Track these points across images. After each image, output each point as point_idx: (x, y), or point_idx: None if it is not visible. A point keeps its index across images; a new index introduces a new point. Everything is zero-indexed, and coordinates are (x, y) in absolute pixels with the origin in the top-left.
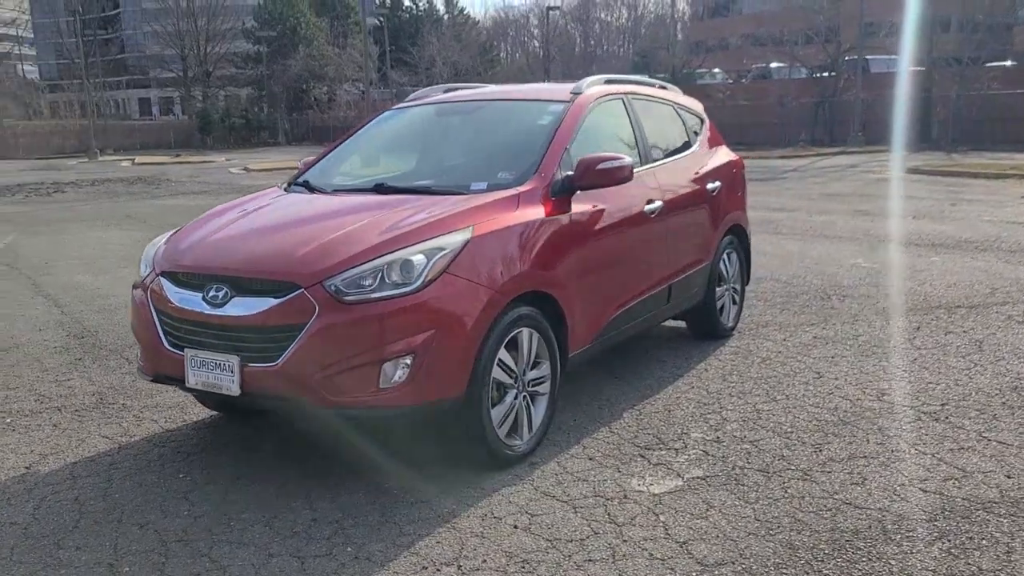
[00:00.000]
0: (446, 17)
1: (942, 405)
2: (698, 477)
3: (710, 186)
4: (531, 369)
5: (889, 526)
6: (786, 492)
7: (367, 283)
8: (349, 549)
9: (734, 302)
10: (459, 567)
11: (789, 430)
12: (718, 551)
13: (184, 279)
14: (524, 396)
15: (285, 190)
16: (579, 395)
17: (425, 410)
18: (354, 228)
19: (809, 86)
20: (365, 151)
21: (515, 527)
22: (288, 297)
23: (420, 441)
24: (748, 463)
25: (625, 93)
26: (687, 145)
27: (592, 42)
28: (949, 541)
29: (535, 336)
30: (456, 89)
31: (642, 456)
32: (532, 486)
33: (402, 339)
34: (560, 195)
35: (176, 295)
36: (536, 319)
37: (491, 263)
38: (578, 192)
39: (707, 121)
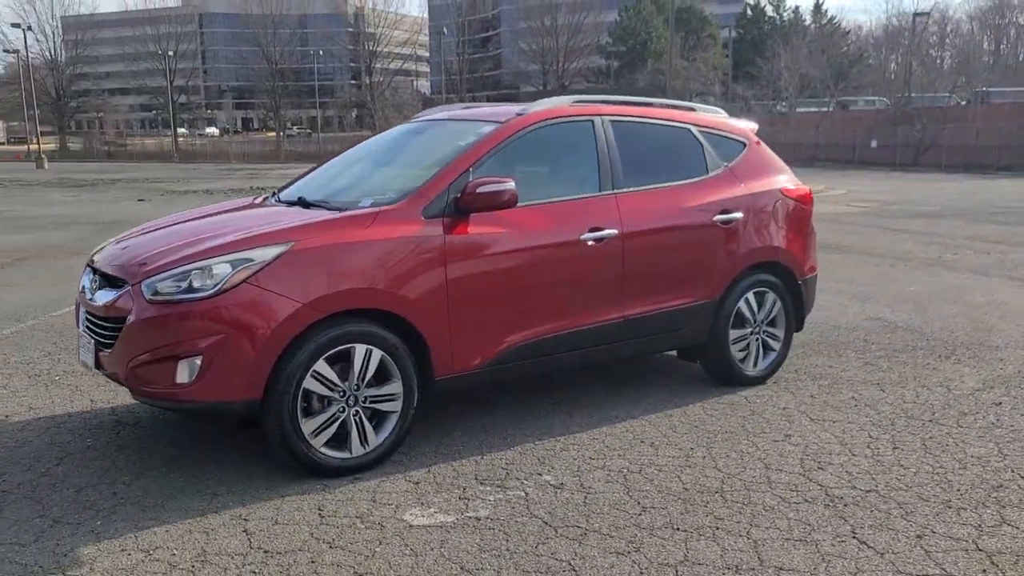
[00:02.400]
0: (812, 27)
1: (866, 492)
2: (476, 517)
3: (720, 217)
4: (371, 386)
5: None
6: (534, 548)
7: (177, 286)
8: (99, 523)
9: (768, 348)
10: (149, 554)
11: (648, 488)
12: None
13: (93, 270)
14: (357, 411)
15: (264, 199)
16: (498, 423)
17: (216, 409)
18: (205, 235)
19: None
20: (350, 163)
21: (244, 531)
22: (120, 293)
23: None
24: (548, 513)
25: (598, 114)
26: (699, 172)
27: (1004, 49)
28: None
29: (375, 353)
30: (472, 107)
31: (463, 487)
32: (318, 498)
33: (193, 340)
34: (441, 216)
35: (85, 283)
36: (378, 337)
37: (307, 277)
38: (473, 214)
39: (752, 147)
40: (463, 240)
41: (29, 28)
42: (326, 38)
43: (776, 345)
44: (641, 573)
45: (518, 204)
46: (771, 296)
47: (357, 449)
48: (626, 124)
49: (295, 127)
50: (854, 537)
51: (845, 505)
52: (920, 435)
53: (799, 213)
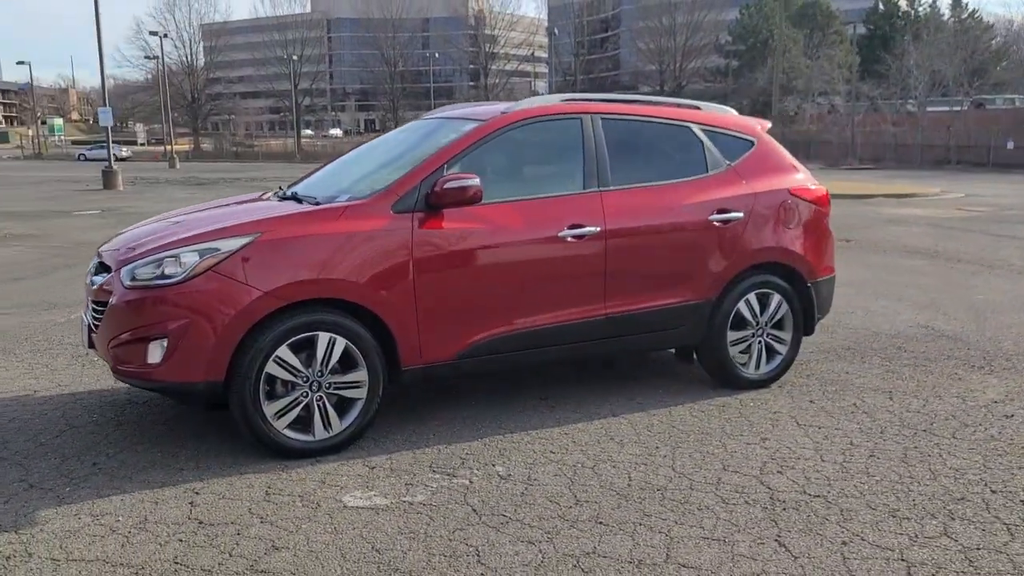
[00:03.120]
0: (951, 22)
1: (813, 497)
2: (411, 501)
3: (718, 216)
4: (336, 373)
5: None
6: (450, 533)
7: (152, 272)
8: (68, 490)
9: (773, 351)
10: (97, 519)
11: (592, 484)
12: (278, 562)
13: (97, 256)
14: (321, 397)
15: (270, 195)
16: (477, 415)
17: (181, 389)
18: (191, 227)
19: None
20: (354, 160)
21: (190, 503)
22: (107, 277)
23: None
24: (480, 501)
25: (588, 112)
26: (698, 170)
27: None
28: None
29: (339, 342)
30: (472, 106)
31: (413, 474)
32: (272, 477)
33: (162, 323)
34: (411, 211)
35: (90, 269)
36: (342, 326)
37: (269, 267)
38: (447, 211)
39: (761, 145)
40: (432, 234)
41: (166, 35)
42: (444, 40)
43: (782, 348)
44: (542, 562)
45: (497, 201)
46: (776, 298)
47: (320, 433)
48: (619, 122)
49: None
50: (776, 540)
51: (784, 509)
52: (905, 444)
53: (811, 214)
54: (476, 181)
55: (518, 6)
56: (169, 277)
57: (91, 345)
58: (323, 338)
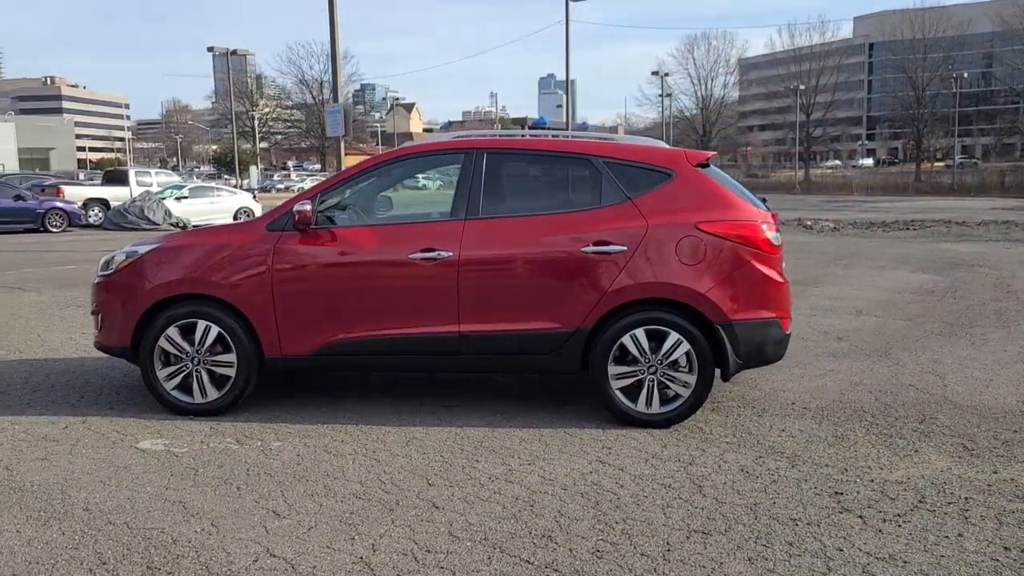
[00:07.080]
0: None
1: (464, 503)
2: (172, 452)
3: (592, 249)
4: (215, 353)
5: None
6: (150, 469)
7: (109, 266)
8: (26, 406)
9: (675, 394)
10: (16, 427)
11: (311, 468)
12: (28, 470)
13: None
14: (199, 370)
15: None
16: (363, 409)
17: (108, 350)
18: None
19: None
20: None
21: (64, 428)
22: None
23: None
24: (211, 458)
25: (475, 147)
26: (588, 202)
27: None
28: None
29: (213, 328)
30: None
31: (219, 435)
32: (138, 421)
33: (100, 302)
34: (280, 230)
35: None
36: (214, 316)
37: (161, 267)
38: (316, 231)
39: (680, 178)
40: (290, 250)
41: (667, 74)
42: (987, 57)
43: (684, 391)
44: (186, 507)
45: (361, 225)
46: (673, 336)
47: (198, 398)
48: (507, 157)
49: (960, 157)
50: (348, 525)
51: (406, 509)
52: (651, 491)
53: (727, 252)
54: (307, 207)
55: None
56: (110, 269)
57: None
58: (201, 324)
